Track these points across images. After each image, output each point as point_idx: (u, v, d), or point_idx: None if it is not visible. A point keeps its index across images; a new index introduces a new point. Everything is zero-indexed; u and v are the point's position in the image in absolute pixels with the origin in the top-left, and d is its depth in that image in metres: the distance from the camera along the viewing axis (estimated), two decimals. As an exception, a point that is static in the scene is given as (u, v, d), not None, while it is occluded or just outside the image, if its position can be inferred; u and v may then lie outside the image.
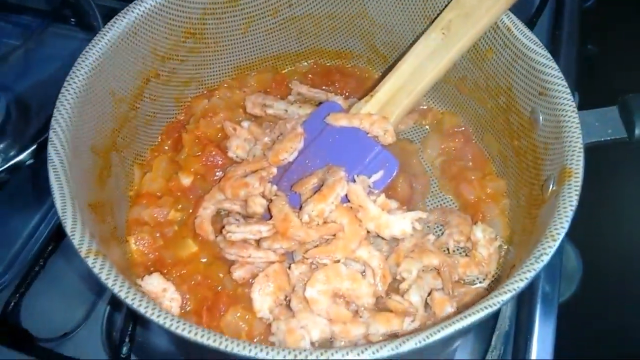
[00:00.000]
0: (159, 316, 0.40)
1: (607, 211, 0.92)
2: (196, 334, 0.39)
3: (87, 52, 0.54)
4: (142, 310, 0.40)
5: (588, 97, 0.82)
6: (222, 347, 0.38)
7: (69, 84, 0.52)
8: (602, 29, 1.23)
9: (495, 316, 0.64)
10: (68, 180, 0.47)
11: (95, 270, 0.42)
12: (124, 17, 0.57)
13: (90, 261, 0.42)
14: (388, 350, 0.38)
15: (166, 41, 0.63)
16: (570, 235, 0.84)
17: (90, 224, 0.46)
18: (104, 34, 0.56)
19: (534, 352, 0.65)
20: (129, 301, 0.40)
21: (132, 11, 0.58)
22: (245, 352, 0.38)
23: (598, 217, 0.87)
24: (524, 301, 0.68)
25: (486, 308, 0.40)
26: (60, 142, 0.48)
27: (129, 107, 0.62)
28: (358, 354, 0.38)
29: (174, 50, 0.65)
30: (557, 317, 0.71)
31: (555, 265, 0.73)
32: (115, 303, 0.71)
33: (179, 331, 0.39)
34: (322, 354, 0.38)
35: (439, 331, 0.39)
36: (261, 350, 0.39)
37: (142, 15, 0.59)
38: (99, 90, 0.56)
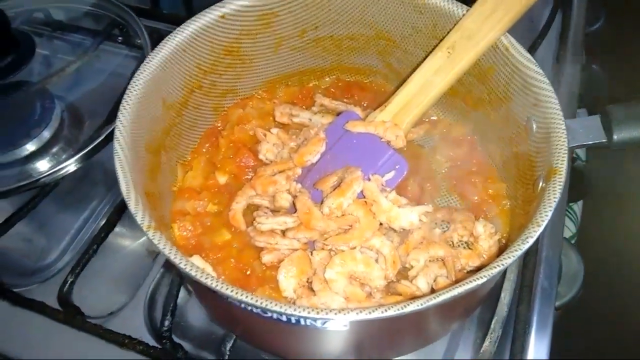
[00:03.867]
0: (206, 278, 0.48)
1: (608, 216, 0.98)
2: (237, 293, 0.48)
3: (144, 64, 0.64)
4: (192, 273, 0.49)
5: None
6: (262, 305, 0.46)
7: (130, 91, 0.62)
8: (608, 51, 1.30)
9: (494, 302, 0.70)
10: (129, 169, 0.56)
11: (155, 242, 0.50)
12: (175, 36, 0.67)
13: (150, 234, 0.51)
14: (396, 309, 0.46)
15: (209, 57, 0.73)
16: (575, 238, 0.91)
17: (147, 206, 0.55)
18: (159, 50, 0.66)
19: (531, 349, 0.72)
20: (182, 267, 0.49)
21: (183, 32, 0.68)
22: (279, 309, 0.47)
23: (600, 222, 0.93)
24: (523, 296, 0.75)
25: (477, 279, 0.48)
26: (123, 138, 0.58)
27: (175, 113, 0.72)
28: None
29: (214, 66, 0.75)
30: (556, 316, 0.78)
31: (553, 263, 0.80)
32: (157, 287, 0.80)
33: (223, 290, 0.47)
34: (340, 312, 0.46)
35: (438, 296, 0.46)
36: (295, 309, 0.47)
37: (190, 35, 0.68)
38: (153, 97, 0.66)
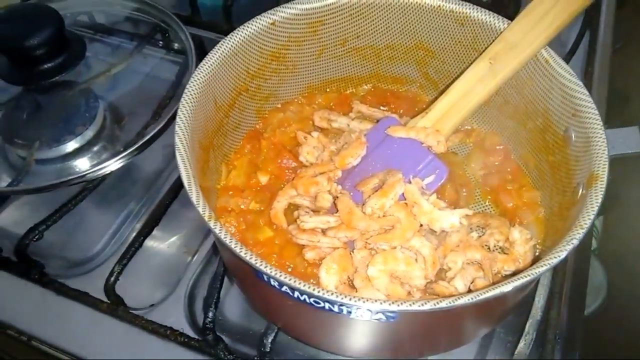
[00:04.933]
0: (266, 267, 0.51)
1: (632, 229, 1.00)
2: (293, 280, 0.50)
3: (201, 66, 0.67)
4: (252, 261, 0.51)
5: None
6: (314, 292, 0.49)
7: (189, 90, 0.65)
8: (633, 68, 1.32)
9: (526, 307, 0.72)
10: (190, 163, 0.59)
11: (216, 231, 0.53)
12: (229, 41, 0.71)
13: (212, 224, 0.54)
14: (446, 303, 0.48)
15: (257, 62, 0.76)
16: (597, 252, 0.93)
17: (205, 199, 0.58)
18: (214, 54, 0.69)
19: (561, 355, 0.74)
20: (242, 255, 0.52)
21: (235, 36, 0.71)
22: (333, 298, 0.49)
23: (622, 234, 0.95)
24: (554, 302, 0.77)
25: (523, 277, 0.50)
26: (183, 134, 0.61)
27: (224, 114, 0.75)
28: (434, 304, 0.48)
29: (261, 70, 0.78)
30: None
31: (582, 271, 0.82)
32: (196, 283, 0.83)
33: (279, 277, 0.50)
34: (394, 302, 0.49)
35: (489, 291, 0.48)
36: (345, 296, 0.49)
37: (242, 40, 0.72)
38: (207, 97, 0.69)
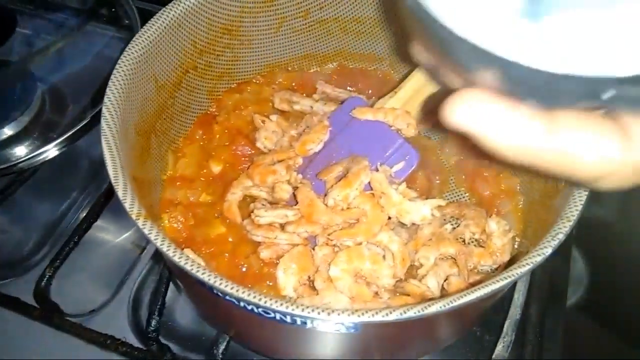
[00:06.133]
0: (203, 273, 0.43)
1: (614, 219, 0.95)
2: (237, 290, 0.42)
3: (136, 39, 0.58)
4: (187, 267, 0.43)
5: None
6: (265, 304, 0.41)
7: (120, 66, 0.56)
8: None
9: (507, 306, 0.66)
10: (118, 152, 0.50)
11: (145, 231, 0.45)
12: (171, 9, 0.62)
13: (140, 223, 0.45)
14: (415, 311, 0.41)
15: (205, 36, 0.68)
16: (577, 242, 0.87)
17: (136, 193, 0.50)
18: (152, 24, 0.60)
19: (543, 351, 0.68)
20: (175, 259, 0.44)
21: (179, 5, 0.62)
22: (282, 309, 0.42)
23: (605, 224, 0.90)
24: (533, 297, 0.72)
25: (507, 278, 0.43)
26: (112, 117, 0.52)
27: (168, 95, 0.66)
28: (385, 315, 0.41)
29: (211, 45, 0.69)
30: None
31: (562, 263, 0.76)
32: (143, 284, 0.74)
33: (221, 286, 0.42)
34: (355, 312, 0.41)
35: (464, 296, 0.42)
36: (297, 306, 0.42)
37: (187, 9, 0.63)
38: (145, 74, 0.60)
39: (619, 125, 0.33)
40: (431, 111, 0.71)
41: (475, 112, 0.34)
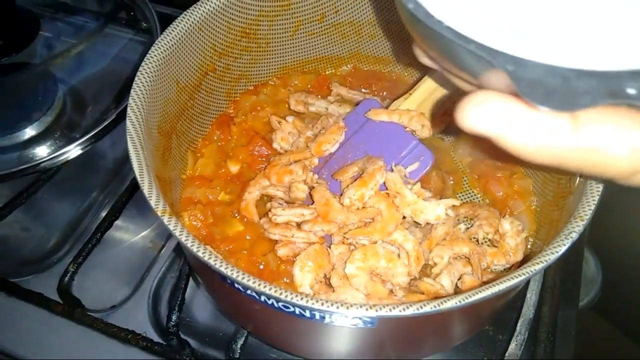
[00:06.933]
0: (226, 268, 0.45)
1: (626, 220, 0.95)
2: (259, 284, 0.44)
3: (158, 42, 0.60)
4: (211, 262, 0.45)
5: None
6: (287, 298, 0.43)
7: (143, 69, 0.58)
8: None
9: (520, 305, 0.67)
10: (143, 151, 0.52)
11: (170, 227, 0.46)
12: (192, 13, 0.63)
13: (165, 219, 0.47)
14: (431, 307, 0.43)
15: (224, 39, 0.69)
16: (590, 242, 0.88)
17: (160, 191, 0.51)
18: (174, 28, 0.62)
19: (556, 351, 0.69)
20: (200, 254, 0.45)
21: (199, 9, 0.64)
22: (302, 302, 0.43)
23: (617, 225, 0.90)
24: (546, 297, 0.72)
25: (521, 275, 0.44)
26: (136, 117, 0.54)
27: (188, 96, 0.68)
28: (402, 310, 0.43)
29: (230, 48, 0.71)
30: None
31: (576, 264, 0.77)
32: (162, 281, 0.76)
33: (243, 280, 0.44)
34: (373, 307, 0.43)
35: (479, 292, 0.43)
36: (317, 301, 0.43)
37: (207, 13, 0.65)
38: (167, 76, 0.62)
39: None
40: (445, 112, 0.72)
41: (491, 114, 0.32)
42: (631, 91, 0.28)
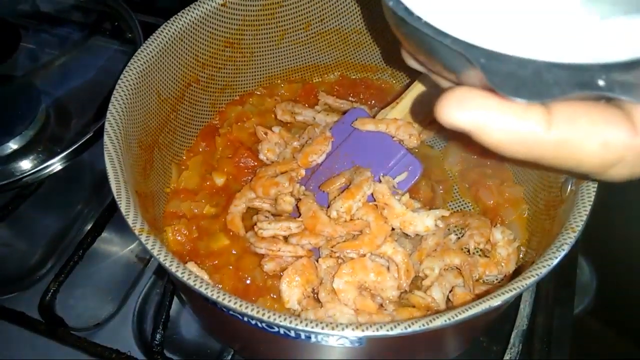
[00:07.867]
0: (206, 288, 0.43)
1: (619, 225, 0.94)
2: (240, 305, 0.42)
3: (138, 54, 0.59)
4: (190, 282, 0.43)
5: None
6: (268, 319, 0.41)
7: (122, 81, 0.56)
8: None
9: (514, 314, 0.66)
10: (121, 166, 0.50)
11: (148, 246, 0.45)
12: (172, 24, 0.62)
13: (143, 238, 0.45)
14: (419, 325, 0.41)
15: (207, 49, 0.68)
16: (584, 249, 0.87)
17: (139, 207, 0.50)
18: (155, 39, 0.60)
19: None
20: (178, 274, 0.44)
21: (180, 19, 0.63)
22: (286, 323, 0.41)
23: (612, 232, 0.89)
24: (540, 307, 0.71)
25: (512, 290, 0.43)
26: (115, 132, 0.53)
27: (170, 108, 0.67)
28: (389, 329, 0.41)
29: (213, 58, 0.70)
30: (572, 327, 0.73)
31: (569, 272, 0.76)
32: (147, 298, 0.74)
33: (224, 301, 0.42)
34: (359, 327, 0.41)
35: (469, 309, 0.41)
36: (301, 321, 0.41)
37: (188, 23, 0.63)
38: (147, 89, 0.60)
39: (621, 111, 0.32)
40: (434, 119, 0.71)
41: (468, 108, 0.33)
42: (601, 83, 0.30)
